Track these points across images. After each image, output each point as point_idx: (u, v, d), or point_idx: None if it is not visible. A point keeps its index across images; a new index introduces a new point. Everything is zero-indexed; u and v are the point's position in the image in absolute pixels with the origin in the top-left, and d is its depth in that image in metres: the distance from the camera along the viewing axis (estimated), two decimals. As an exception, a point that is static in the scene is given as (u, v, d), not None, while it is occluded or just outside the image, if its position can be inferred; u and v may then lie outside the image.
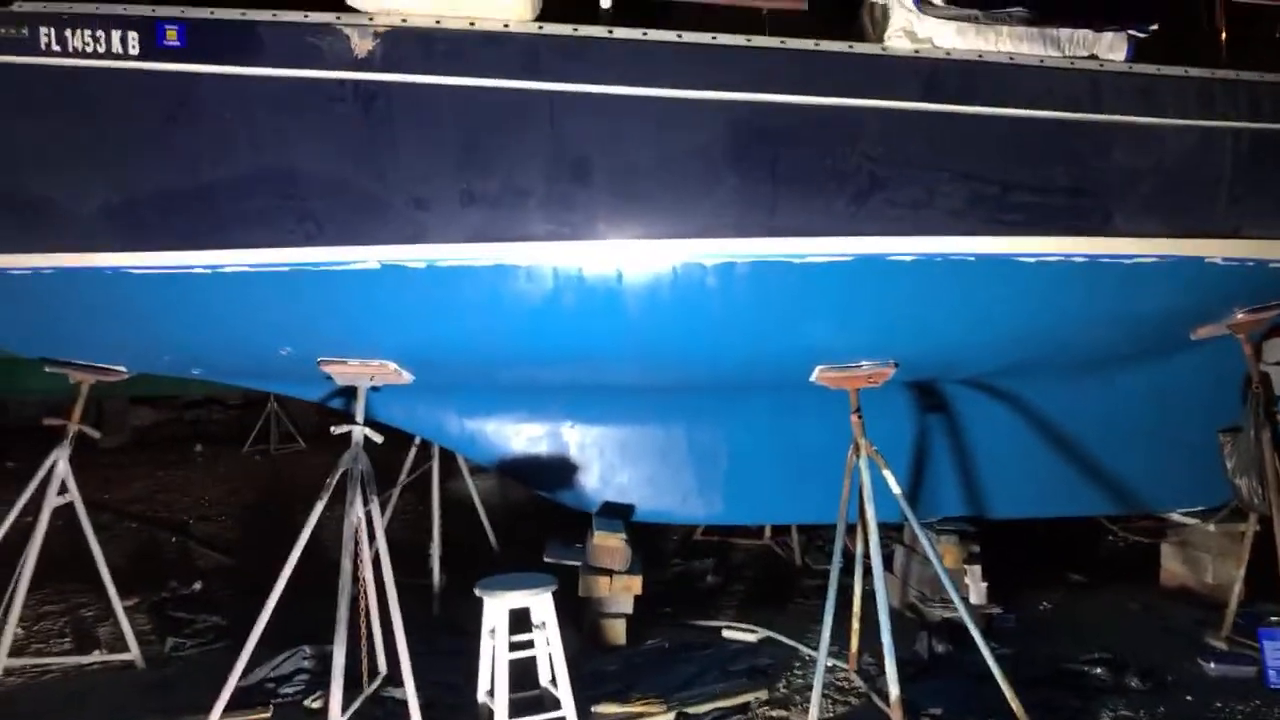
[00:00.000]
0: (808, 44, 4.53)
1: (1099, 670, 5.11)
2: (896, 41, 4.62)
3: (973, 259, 4.68)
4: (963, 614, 4.60)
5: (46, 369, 5.33)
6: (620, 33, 4.46)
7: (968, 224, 4.63)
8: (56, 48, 4.39)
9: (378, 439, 4.82)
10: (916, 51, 4.61)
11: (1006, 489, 5.94)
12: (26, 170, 4.58)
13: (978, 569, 5.64)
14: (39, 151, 4.55)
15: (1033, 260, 4.72)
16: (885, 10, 4.67)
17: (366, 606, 4.73)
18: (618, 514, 5.87)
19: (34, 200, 4.61)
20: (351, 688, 4.51)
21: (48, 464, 5.19)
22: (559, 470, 5.96)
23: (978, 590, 5.60)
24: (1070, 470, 5.96)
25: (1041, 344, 5.23)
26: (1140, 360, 5.74)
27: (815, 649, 5.06)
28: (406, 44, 4.39)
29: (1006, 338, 5.10)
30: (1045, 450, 5.91)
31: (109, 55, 4.39)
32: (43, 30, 4.38)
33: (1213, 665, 5.20)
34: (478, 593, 4.39)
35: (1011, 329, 5.03)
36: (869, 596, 4.83)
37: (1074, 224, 4.73)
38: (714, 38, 4.47)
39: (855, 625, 5.09)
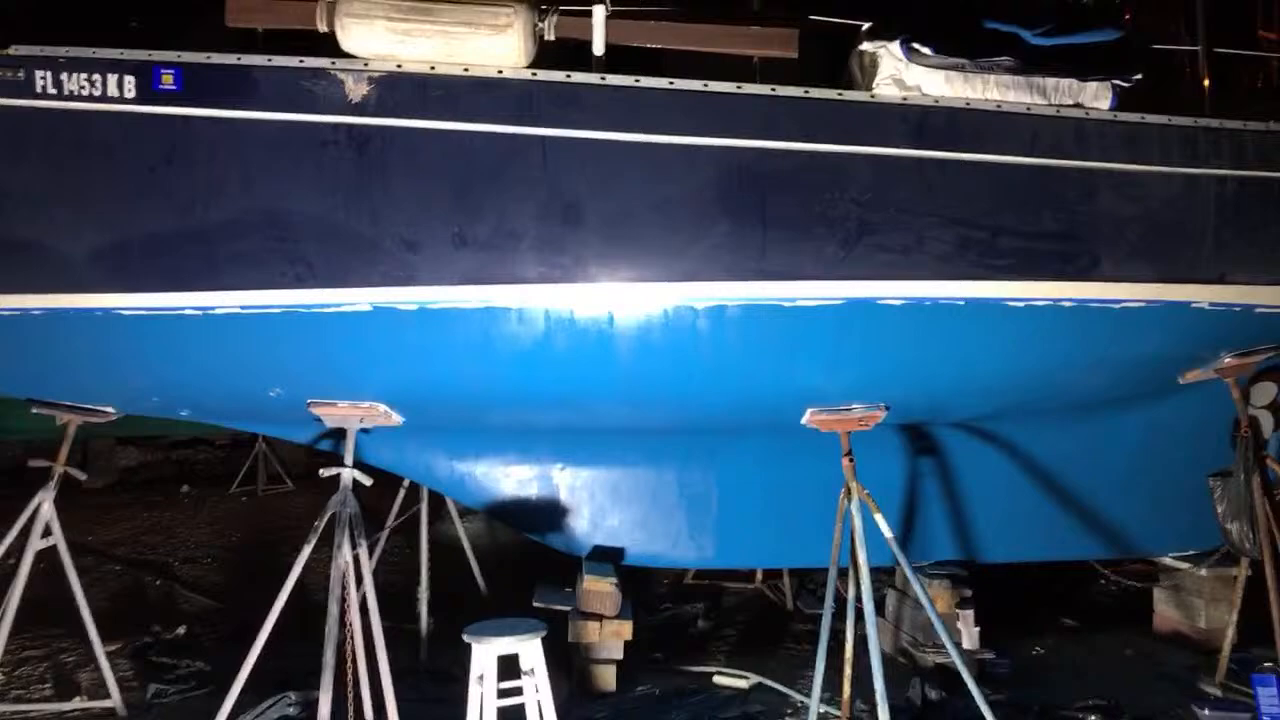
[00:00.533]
0: (797, 91, 4.59)
1: (1094, 717, 5.06)
2: (885, 89, 4.69)
3: (962, 303, 4.71)
4: (955, 659, 4.57)
5: (34, 410, 5.28)
6: (613, 79, 4.52)
7: (957, 269, 4.66)
8: (52, 91, 4.42)
9: (367, 482, 4.79)
10: (905, 99, 4.67)
11: (998, 533, 5.91)
12: (19, 211, 4.58)
13: (970, 613, 5.61)
14: (32, 193, 4.57)
15: (1021, 305, 4.75)
16: (874, 58, 4.74)
17: (353, 652, 4.66)
18: (608, 558, 5.82)
19: (25, 241, 4.61)
20: (335, 736, 4.43)
21: (32, 506, 5.13)
22: (549, 513, 5.91)
23: (970, 635, 5.56)
24: (1062, 514, 5.94)
25: (1031, 388, 5.24)
26: (1130, 404, 5.76)
27: (807, 695, 5.01)
28: (401, 89, 4.44)
29: (997, 381, 5.12)
30: (1036, 494, 5.89)
31: (104, 99, 4.43)
32: (38, 74, 4.41)
33: (1207, 712, 5.15)
34: (466, 639, 4.33)
35: (1001, 373, 5.04)
36: (861, 641, 4.79)
37: (1062, 269, 4.76)
38: (705, 85, 4.53)
39: (847, 671, 5.04)
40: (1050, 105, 4.79)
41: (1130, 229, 4.83)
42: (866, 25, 4.88)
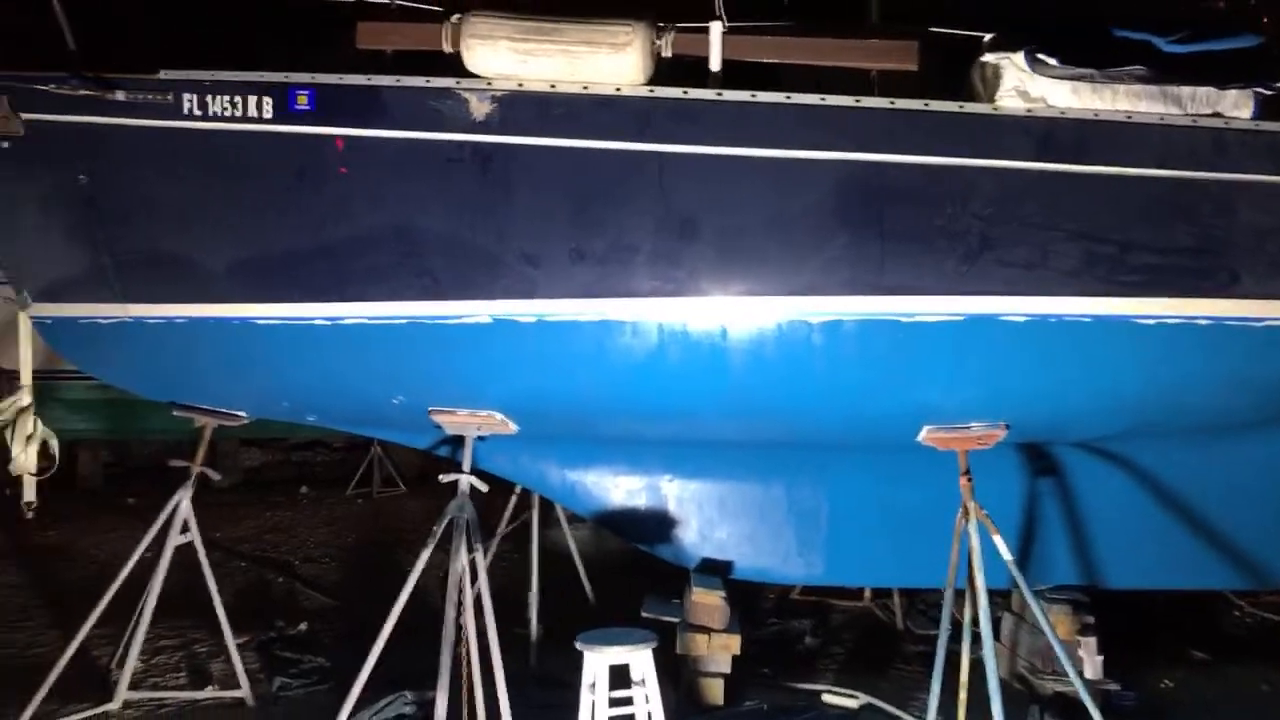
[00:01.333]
0: (917, 104, 4.54)
1: (1227, 755, 4.82)
2: (1008, 101, 4.58)
3: (1089, 320, 4.57)
4: (1079, 689, 4.42)
5: (174, 413, 5.58)
6: (729, 95, 4.54)
7: (1084, 284, 4.54)
8: (198, 112, 4.68)
9: (484, 488, 4.92)
10: (1029, 111, 4.56)
11: (1124, 558, 5.68)
12: (166, 226, 4.87)
13: (1093, 641, 5.39)
14: (177, 209, 4.85)
15: (1153, 322, 4.59)
16: (997, 70, 4.64)
17: (469, 655, 4.78)
18: (716, 571, 5.82)
19: (171, 254, 4.90)
20: (450, 736, 4.54)
21: (172, 504, 5.42)
22: (657, 524, 5.95)
23: (1093, 664, 5.35)
24: (1193, 540, 5.65)
25: (1161, 408, 5.03)
26: (1269, 425, 5.47)
27: (918, 718, 4.91)
28: (522, 108, 4.56)
29: (1124, 401, 4.93)
30: (1166, 519, 5.63)
31: (244, 119, 4.66)
32: (185, 96, 4.68)
33: (1353, 755, 4.85)
34: (579, 646, 4.39)
35: (1129, 392, 4.87)
36: (977, 665, 4.67)
37: (1197, 285, 4.58)
38: (822, 98, 4.51)
39: (963, 695, 4.91)
40: (1186, 115, 4.60)
41: (1273, 243, 4.61)
42: (989, 36, 4.78)
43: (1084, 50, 4.55)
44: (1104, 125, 4.56)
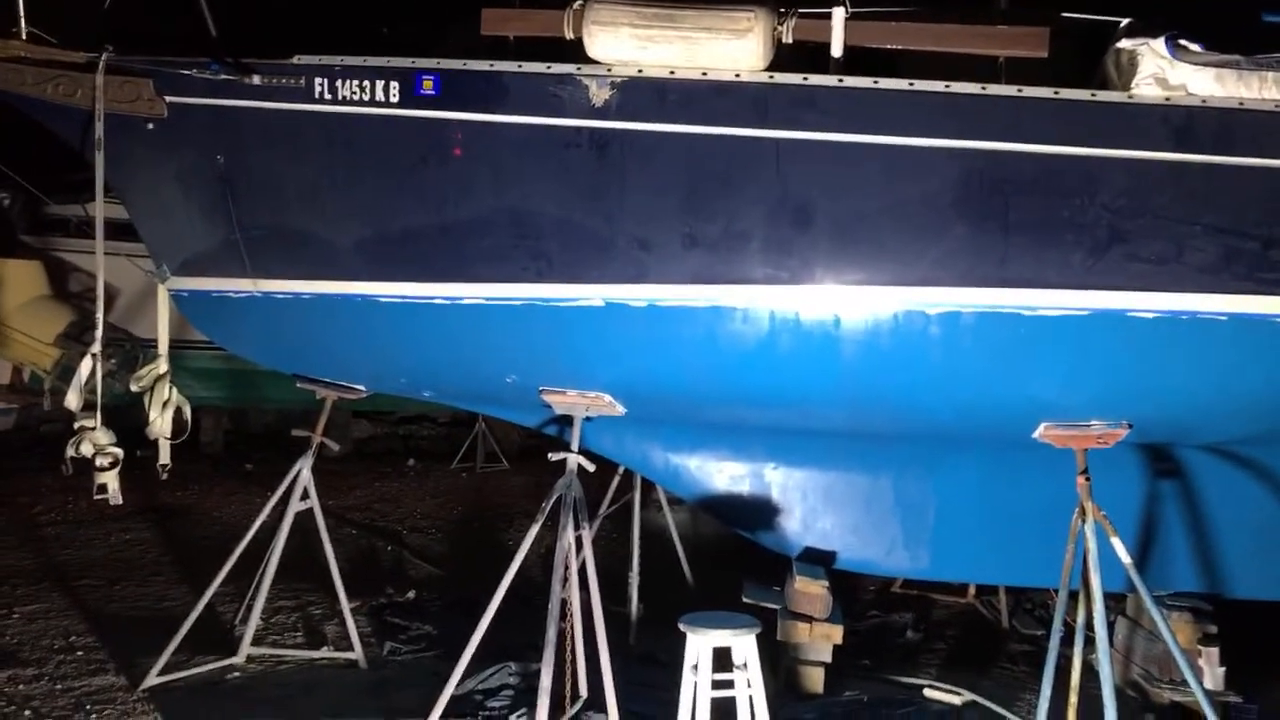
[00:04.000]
0: (1046, 92, 4.40)
1: (1356, 777, 4.59)
2: (1145, 89, 4.40)
3: (1224, 319, 4.39)
4: (1200, 699, 4.27)
5: (298, 385, 5.83)
6: (850, 81, 4.49)
7: (1220, 281, 4.36)
8: (328, 96, 4.84)
9: (590, 467, 4.99)
10: (1167, 99, 4.37)
11: (1250, 567, 5.42)
12: (294, 205, 5.08)
13: (1214, 651, 5.17)
14: (306, 189, 5.05)
15: (1298, 322, 4.38)
16: (1133, 57, 4.45)
17: (572, 630, 4.88)
18: (819, 560, 5.78)
19: (301, 232, 5.10)
20: (554, 709, 4.63)
21: (294, 471, 5.68)
22: (760, 511, 5.93)
23: (1214, 675, 5.15)
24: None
25: (1300, 413, 4.81)
26: None
27: (1023, 718, 4.81)
28: (641, 94, 4.58)
29: (1259, 404, 4.71)
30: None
31: (372, 103, 4.81)
32: (317, 80, 4.85)
33: None
34: (682, 628, 4.43)
35: (1265, 395, 4.65)
36: (1088, 670, 4.55)
37: None
38: (947, 86, 4.42)
39: (1073, 699, 4.79)
40: (1340, 105, 4.36)
41: None
42: (1126, 21, 4.60)
43: (1229, 36, 4.34)
44: (1249, 115, 4.34)
